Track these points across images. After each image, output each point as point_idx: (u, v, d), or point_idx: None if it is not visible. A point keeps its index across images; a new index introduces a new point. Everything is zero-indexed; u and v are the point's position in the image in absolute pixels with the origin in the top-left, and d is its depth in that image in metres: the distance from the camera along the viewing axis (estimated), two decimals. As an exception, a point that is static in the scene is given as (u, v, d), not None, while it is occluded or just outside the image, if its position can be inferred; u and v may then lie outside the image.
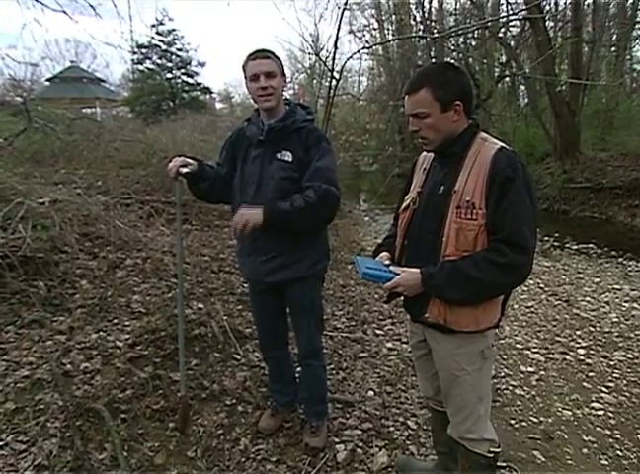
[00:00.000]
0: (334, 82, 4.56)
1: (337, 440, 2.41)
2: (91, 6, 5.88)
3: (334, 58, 4.82)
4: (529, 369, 3.40)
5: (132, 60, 23.93)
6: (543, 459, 2.45)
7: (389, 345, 3.52)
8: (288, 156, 2.02)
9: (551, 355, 3.60)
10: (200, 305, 3.16)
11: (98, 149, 6.41)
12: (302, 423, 2.47)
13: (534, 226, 1.56)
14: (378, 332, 3.74)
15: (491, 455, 1.79)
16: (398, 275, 1.63)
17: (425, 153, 1.84)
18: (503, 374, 3.31)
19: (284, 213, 1.90)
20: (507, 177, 1.51)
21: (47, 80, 27.16)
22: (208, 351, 2.84)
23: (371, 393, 2.87)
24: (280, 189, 2.00)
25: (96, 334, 2.69)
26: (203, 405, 2.50)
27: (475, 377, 1.73)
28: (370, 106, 15.68)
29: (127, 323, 2.84)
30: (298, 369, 2.50)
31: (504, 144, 1.62)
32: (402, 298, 1.85)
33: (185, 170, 2.02)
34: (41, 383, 2.28)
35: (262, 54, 1.99)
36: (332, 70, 4.70)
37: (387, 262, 1.75)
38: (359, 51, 7.93)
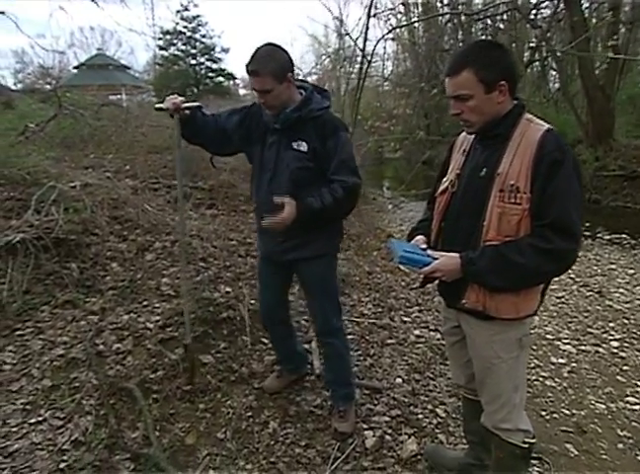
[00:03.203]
0: (365, 64, 4.44)
1: (365, 427, 2.40)
2: (117, -7, 5.90)
3: (366, 37, 4.66)
4: (560, 361, 3.33)
5: (158, 46, 24.09)
6: (576, 453, 2.39)
7: (417, 332, 3.49)
8: (303, 146, 2.02)
9: (583, 347, 3.51)
10: (228, 289, 3.17)
11: (125, 134, 6.46)
12: (330, 408, 2.46)
13: (581, 212, 1.50)
14: (405, 319, 3.70)
15: (526, 446, 1.75)
16: (436, 259, 1.59)
17: (464, 134, 1.78)
18: (533, 365, 3.24)
19: (316, 211, 1.96)
20: (555, 160, 1.45)
21: (75, 68, 27.59)
22: (237, 334, 2.85)
23: (399, 380, 2.85)
24: (295, 178, 2.02)
25: (127, 315, 2.72)
26: (232, 387, 2.52)
27: (511, 365, 1.69)
28: (396, 90, 15.42)
29: (157, 305, 2.87)
30: (306, 345, 2.63)
31: (550, 126, 1.56)
32: (432, 284, 1.82)
33: (187, 105, 2.00)
34: (76, 362, 2.32)
35: (252, 70, 1.91)
36: (363, 49, 4.57)
37: (424, 246, 1.70)
38: (391, 31, 7.67)
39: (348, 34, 5.26)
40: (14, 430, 1.89)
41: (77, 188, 3.72)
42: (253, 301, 3.09)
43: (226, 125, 2.16)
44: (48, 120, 6.58)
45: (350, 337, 3.27)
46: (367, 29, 4.55)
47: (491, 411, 1.77)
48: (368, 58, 4.53)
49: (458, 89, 1.54)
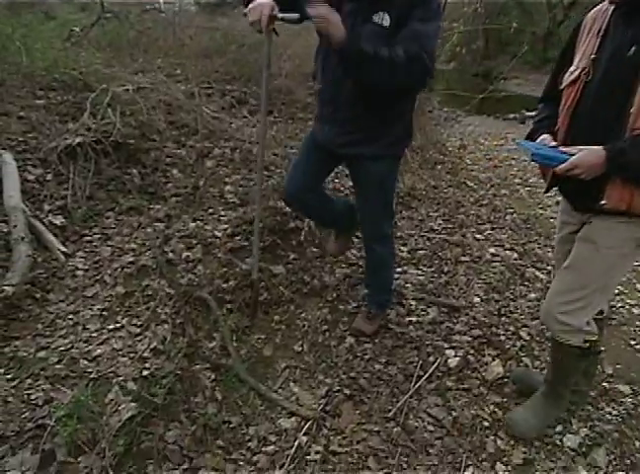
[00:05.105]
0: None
1: (446, 345, 2.27)
2: None
3: None
4: (647, 289, 3.04)
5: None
6: (674, 387, 2.19)
7: (492, 250, 3.25)
8: (386, 20, 1.64)
9: (672, 275, 3.19)
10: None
11: (173, 38, 6.07)
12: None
13: None
14: (478, 236, 3.45)
15: (587, 345, 1.63)
16: (572, 155, 1.35)
17: (592, 13, 1.48)
18: (617, 291, 2.97)
19: (363, 54, 1.55)
20: None
21: (111, -29, 26.31)
22: (305, 245, 2.71)
23: (477, 300, 2.67)
24: None
25: (193, 223, 2.60)
26: (305, 300, 2.42)
27: (615, 261, 1.51)
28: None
29: (223, 213, 2.73)
30: None
31: None
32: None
33: (282, 15, 1.64)
34: (147, 270, 2.24)
35: None
36: None
37: (553, 143, 1.47)
38: None
39: None
40: (94, 335, 1.85)
41: (130, 91, 3.50)
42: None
43: None
44: (93, 24, 6.26)
45: (421, 252, 3.09)
46: None
47: (562, 301, 1.58)
48: None
49: None
